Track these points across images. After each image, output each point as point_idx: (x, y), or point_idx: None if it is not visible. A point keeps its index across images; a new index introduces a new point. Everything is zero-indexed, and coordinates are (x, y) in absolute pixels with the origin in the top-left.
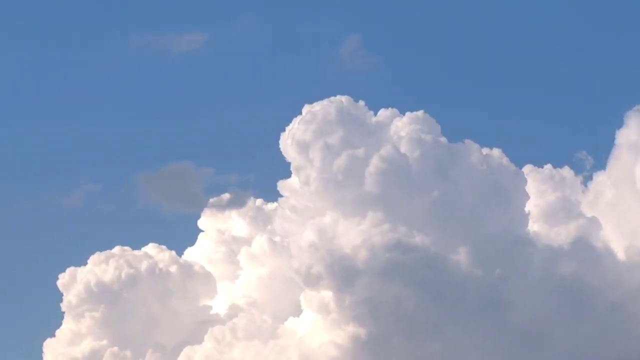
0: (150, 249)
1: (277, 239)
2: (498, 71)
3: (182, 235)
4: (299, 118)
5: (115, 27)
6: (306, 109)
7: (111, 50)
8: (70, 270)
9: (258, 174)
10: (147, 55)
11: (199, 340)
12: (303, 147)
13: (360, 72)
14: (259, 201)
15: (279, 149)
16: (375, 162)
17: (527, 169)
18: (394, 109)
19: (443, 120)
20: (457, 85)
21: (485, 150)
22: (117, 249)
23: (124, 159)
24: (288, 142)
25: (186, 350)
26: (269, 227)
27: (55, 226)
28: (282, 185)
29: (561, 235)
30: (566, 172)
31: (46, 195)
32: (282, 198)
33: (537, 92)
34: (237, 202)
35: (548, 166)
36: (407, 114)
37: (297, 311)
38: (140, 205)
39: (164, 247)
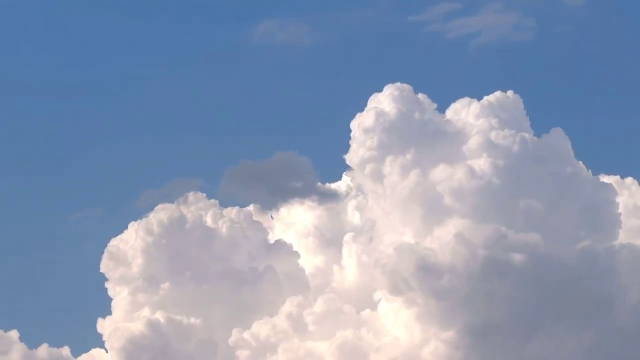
0: (242, 232)
1: (365, 239)
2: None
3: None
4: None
5: (242, 15)
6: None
7: (235, 39)
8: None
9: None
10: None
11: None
12: (369, 170)
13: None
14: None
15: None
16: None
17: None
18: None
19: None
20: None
21: None
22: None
23: (230, 149)
24: (353, 163)
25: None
26: (360, 227)
27: None
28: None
29: None
30: (630, 182)
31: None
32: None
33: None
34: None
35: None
36: (488, 97)
37: (383, 306)
38: (243, 194)
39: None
